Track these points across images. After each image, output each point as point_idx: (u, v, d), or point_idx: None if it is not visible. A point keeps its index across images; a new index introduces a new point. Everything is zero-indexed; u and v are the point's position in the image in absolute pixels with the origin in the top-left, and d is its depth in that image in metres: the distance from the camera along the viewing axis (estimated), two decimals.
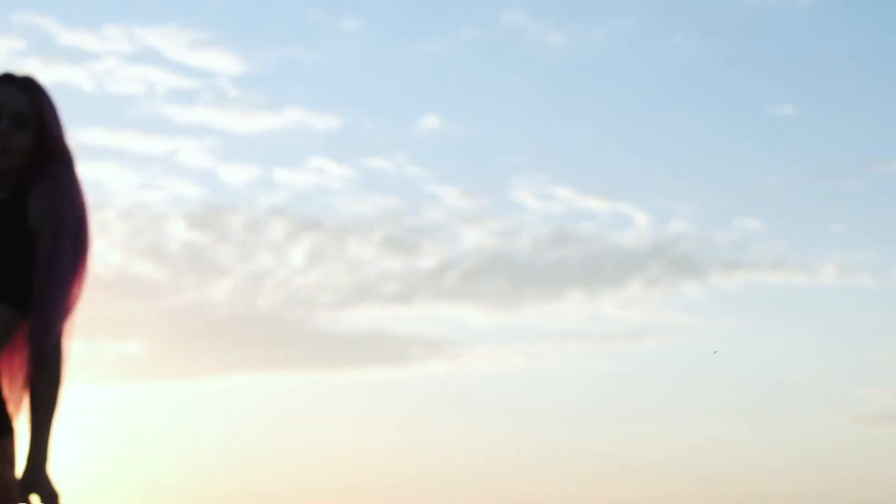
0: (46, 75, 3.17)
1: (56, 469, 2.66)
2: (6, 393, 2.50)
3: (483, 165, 13.75)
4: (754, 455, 7.28)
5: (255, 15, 13.02)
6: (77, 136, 3.12)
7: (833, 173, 13.19)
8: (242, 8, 13.06)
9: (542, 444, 8.17)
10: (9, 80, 2.61)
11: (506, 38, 13.12)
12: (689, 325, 12.74)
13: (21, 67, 2.73)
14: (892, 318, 12.49)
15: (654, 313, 13.77)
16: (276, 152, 13.11)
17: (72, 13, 12.05)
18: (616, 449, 7.12)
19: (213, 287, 13.02)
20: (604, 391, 8.90)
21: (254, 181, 12.92)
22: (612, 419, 7.82)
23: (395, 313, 13.73)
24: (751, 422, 8.28)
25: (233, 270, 13.07)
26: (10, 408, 2.50)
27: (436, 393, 8.91)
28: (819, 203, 13.04)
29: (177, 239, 12.50)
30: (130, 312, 11.99)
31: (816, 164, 13.30)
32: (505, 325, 12.94)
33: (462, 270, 19.07)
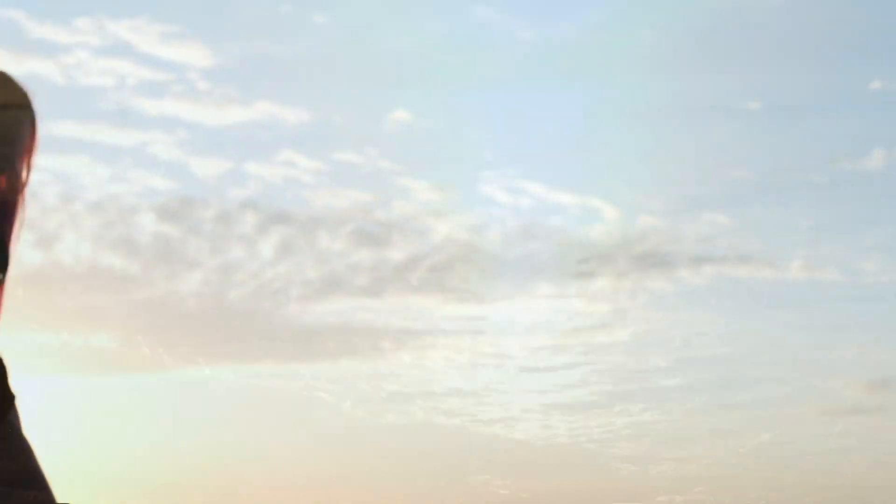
0: (17, 68, 3.18)
1: None
2: None
3: (453, 160, 13.80)
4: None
5: (225, 8, 13.02)
6: (48, 128, 3.13)
7: (800, 169, 13.30)
8: (213, 1, 13.05)
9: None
10: None
11: (476, 33, 13.17)
12: (656, 318, 12.83)
13: None
14: (858, 313, 12.61)
15: (621, 307, 13.86)
16: (246, 146, 13.12)
17: (42, 6, 12.02)
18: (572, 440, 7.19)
19: (183, 279, 13.01)
20: (569, 383, 8.98)
21: (224, 174, 12.92)
22: (575, 410, 7.89)
23: (366, 306, 13.77)
24: (716, 414, 8.36)
25: (203, 263, 13.07)
26: None
27: (404, 383, 8.97)
28: (786, 198, 13.14)
29: (147, 231, 12.50)
30: (100, 305, 11.99)
31: (783, 159, 13.40)
32: (474, 317, 13.00)
33: (431, 263, 19.15)
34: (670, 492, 7.20)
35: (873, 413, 8.17)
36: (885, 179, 13.29)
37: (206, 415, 8.82)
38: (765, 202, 13.80)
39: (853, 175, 13.43)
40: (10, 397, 2.64)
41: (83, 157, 12.51)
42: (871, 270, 14.04)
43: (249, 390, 8.58)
